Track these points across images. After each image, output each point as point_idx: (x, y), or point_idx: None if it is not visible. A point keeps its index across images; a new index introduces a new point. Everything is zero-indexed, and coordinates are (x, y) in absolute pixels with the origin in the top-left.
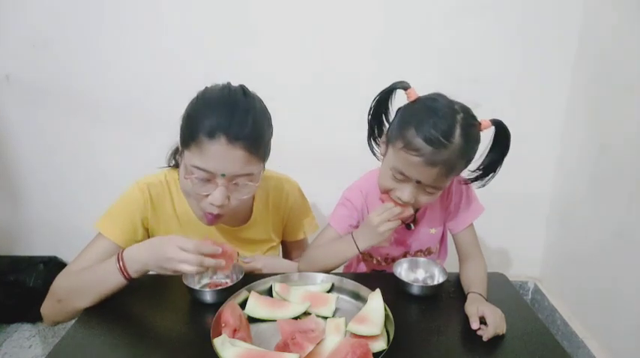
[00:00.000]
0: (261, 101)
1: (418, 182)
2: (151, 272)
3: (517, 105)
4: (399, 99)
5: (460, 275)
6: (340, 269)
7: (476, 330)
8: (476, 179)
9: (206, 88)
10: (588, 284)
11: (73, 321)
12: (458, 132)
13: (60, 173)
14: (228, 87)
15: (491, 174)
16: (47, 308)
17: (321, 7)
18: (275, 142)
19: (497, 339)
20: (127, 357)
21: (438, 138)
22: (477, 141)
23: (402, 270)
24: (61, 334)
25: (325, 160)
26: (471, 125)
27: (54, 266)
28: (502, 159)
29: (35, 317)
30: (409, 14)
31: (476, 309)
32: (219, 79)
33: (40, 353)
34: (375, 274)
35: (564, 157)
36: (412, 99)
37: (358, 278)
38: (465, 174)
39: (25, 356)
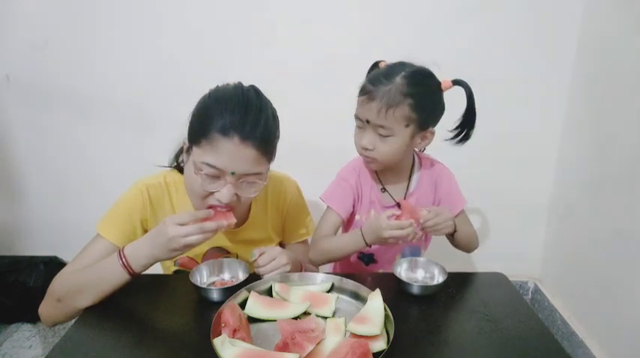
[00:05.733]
0: (271, 103)
1: (367, 122)
2: (149, 271)
3: (517, 105)
4: None
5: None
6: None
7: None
8: (458, 134)
9: (217, 86)
10: (588, 284)
11: (73, 321)
12: (401, 75)
13: (60, 173)
14: (240, 86)
15: (468, 127)
16: (46, 308)
17: (316, 5)
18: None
19: (497, 339)
20: (127, 357)
21: (379, 78)
22: (427, 87)
23: (402, 270)
24: (61, 334)
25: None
26: (418, 74)
27: (54, 266)
28: (472, 111)
29: (35, 317)
30: (409, 14)
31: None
32: (222, 79)
33: (40, 353)
34: (374, 274)
35: (564, 157)
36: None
37: (358, 278)
38: (443, 133)
39: (25, 356)
